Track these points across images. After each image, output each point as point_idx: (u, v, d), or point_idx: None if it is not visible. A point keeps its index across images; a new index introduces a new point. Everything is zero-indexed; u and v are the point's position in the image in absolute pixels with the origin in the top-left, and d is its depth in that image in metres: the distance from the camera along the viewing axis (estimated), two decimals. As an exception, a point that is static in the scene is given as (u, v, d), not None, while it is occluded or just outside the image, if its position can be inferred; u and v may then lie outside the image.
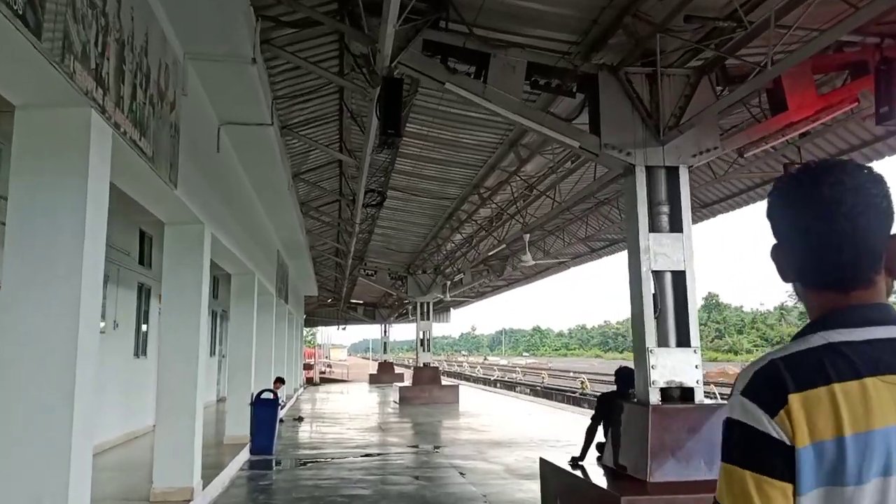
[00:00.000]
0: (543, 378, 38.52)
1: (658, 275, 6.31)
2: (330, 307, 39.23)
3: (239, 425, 11.30)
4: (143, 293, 15.98)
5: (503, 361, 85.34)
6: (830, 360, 1.01)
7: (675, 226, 6.38)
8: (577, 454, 6.90)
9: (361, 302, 39.39)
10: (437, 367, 23.16)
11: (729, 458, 1.03)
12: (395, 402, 22.09)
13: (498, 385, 41.74)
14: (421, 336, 23.06)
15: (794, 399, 0.99)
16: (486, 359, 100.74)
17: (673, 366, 6.13)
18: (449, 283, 20.58)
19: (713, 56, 6.47)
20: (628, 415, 6.39)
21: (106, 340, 10.95)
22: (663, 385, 6.07)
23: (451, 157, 10.97)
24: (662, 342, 6.24)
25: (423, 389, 21.79)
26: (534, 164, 10.35)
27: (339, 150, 10.01)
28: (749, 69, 6.60)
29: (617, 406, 6.64)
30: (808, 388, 0.99)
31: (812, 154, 9.36)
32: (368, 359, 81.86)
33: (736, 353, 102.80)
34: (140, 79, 4.63)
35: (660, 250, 6.32)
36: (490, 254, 14.49)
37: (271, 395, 11.43)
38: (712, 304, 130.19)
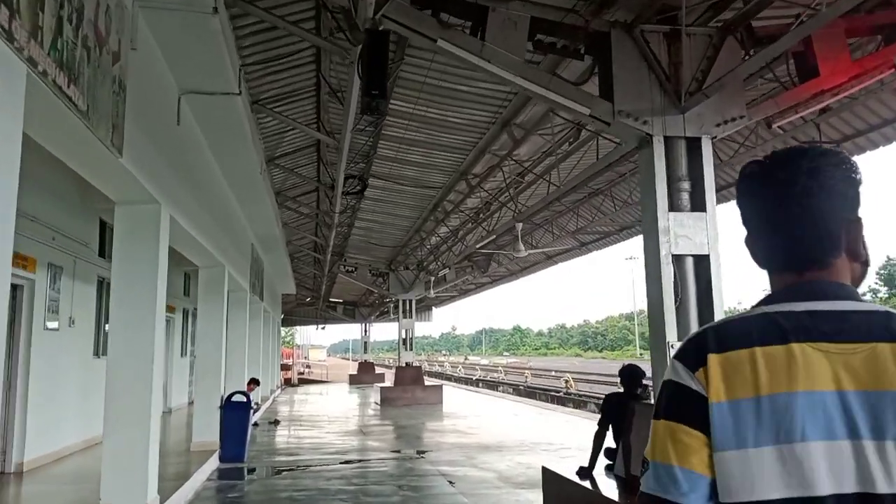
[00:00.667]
0: (527, 377, 37.83)
1: (678, 259, 5.56)
2: (309, 306, 38.22)
3: (207, 430, 10.40)
4: (104, 288, 14.97)
5: (484, 361, 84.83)
6: (759, 326, 1.04)
7: (698, 204, 5.63)
8: (586, 463, 6.14)
9: (341, 301, 38.44)
10: (419, 367, 22.34)
11: (656, 414, 1.08)
12: (377, 403, 21.23)
13: (480, 385, 41.06)
14: (403, 335, 22.19)
15: (713, 358, 1.03)
16: (466, 358, 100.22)
17: (697, 363, 5.38)
18: (433, 279, 19.76)
19: (738, 13, 5.76)
20: (642, 418, 5.65)
21: (61, 338, 10.02)
22: (686, 385, 5.31)
23: (437, 138, 10.16)
24: (684, 336, 5.49)
25: (406, 390, 20.95)
26: (528, 146, 9.58)
27: (317, 129, 9.15)
28: (778, 29, 5.91)
29: (628, 409, 5.89)
30: (728, 350, 1.03)
31: (833, 132, 8.69)
32: (348, 359, 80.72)
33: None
34: (69, 12, 3.77)
35: (681, 232, 5.56)
36: (478, 246, 13.73)
37: (243, 398, 10.54)
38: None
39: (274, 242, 15.74)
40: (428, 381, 22.87)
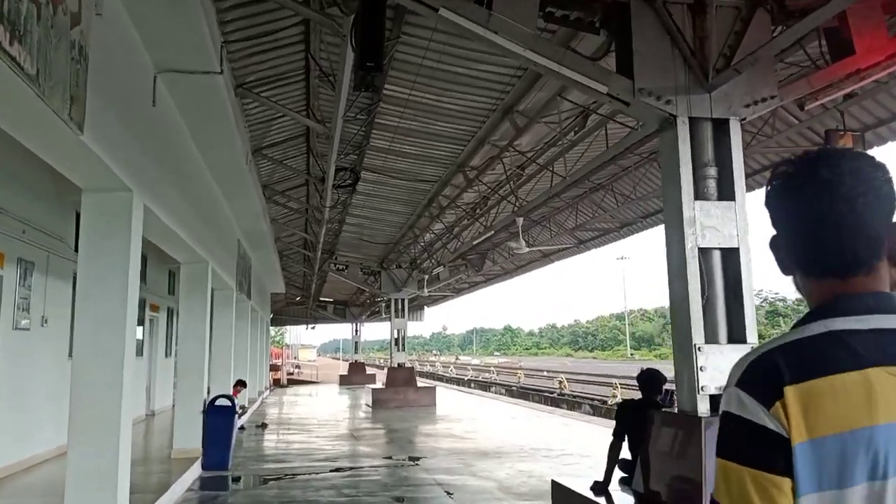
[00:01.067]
0: (519, 378, 37.33)
1: (705, 253, 5.03)
2: (298, 305, 37.57)
3: (189, 436, 9.81)
4: None
5: (475, 361, 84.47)
6: (831, 349, 0.95)
7: (726, 193, 5.11)
8: (599, 476, 5.61)
9: (332, 300, 37.81)
10: (412, 368, 21.77)
11: (725, 454, 0.98)
12: (368, 405, 20.66)
13: (472, 385, 40.59)
14: (395, 335, 21.62)
15: (791, 391, 0.93)
16: (457, 358, 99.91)
17: (725, 367, 4.85)
18: (426, 277, 19.20)
19: (769, -17, 5.25)
20: (662, 429, 5.12)
21: (32, 338, 9.41)
22: (714, 391, 4.79)
23: (433, 128, 9.61)
24: (711, 338, 4.97)
25: (398, 392, 20.38)
26: (531, 135, 9.05)
27: (307, 116, 8.58)
28: (811, 2, 5.41)
29: (647, 417, 5.37)
30: (805, 380, 0.93)
31: (853, 122, 8.21)
32: (339, 359, 80.00)
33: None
34: (9, -44, 3.20)
35: (707, 223, 5.04)
36: (475, 242, 13.17)
37: (227, 402, 9.96)
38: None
39: (262, 239, 15.15)
40: (420, 383, 22.31)
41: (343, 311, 38.01)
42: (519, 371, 41.80)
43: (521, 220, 10.56)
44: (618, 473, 5.70)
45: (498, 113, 8.66)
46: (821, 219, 1.03)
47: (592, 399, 27.32)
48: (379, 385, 23.62)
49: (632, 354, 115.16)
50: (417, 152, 10.76)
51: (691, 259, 4.97)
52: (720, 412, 1.01)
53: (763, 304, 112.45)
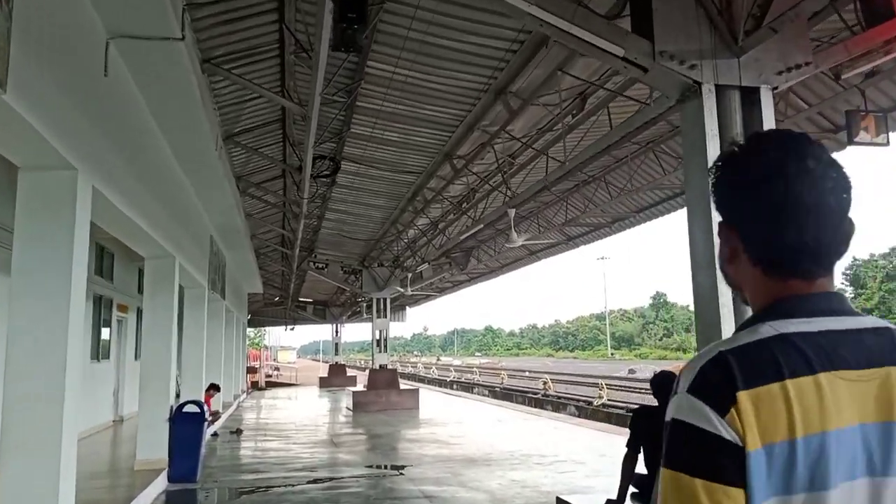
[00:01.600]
0: (503, 379, 36.71)
1: (734, 239, 4.42)
2: (277, 306, 36.64)
3: (154, 446, 9.03)
4: None
5: (457, 362, 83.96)
6: (783, 352, 0.91)
7: (757, 171, 4.51)
8: (611, 494, 4.98)
9: (311, 300, 36.94)
10: (394, 370, 21.05)
11: (675, 465, 0.91)
12: (348, 408, 19.93)
13: (455, 386, 39.94)
14: (377, 335, 20.88)
15: (744, 397, 0.89)
16: (439, 359, 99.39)
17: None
18: (409, 275, 18.49)
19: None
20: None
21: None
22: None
23: (419, 111, 8.93)
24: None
25: (380, 394, 19.67)
26: (525, 119, 8.40)
27: (282, 96, 7.84)
28: (848, -42, 4.83)
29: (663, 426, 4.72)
30: (759, 385, 0.89)
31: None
32: (319, 361, 78.93)
33: (685, 350, 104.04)
34: None
35: (737, 204, 4.43)
36: (463, 237, 12.48)
37: (196, 409, 9.21)
38: (660, 304, 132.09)
39: (236, 236, 14.36)
40: (403, 385, 21.60)
41: (323, 311, 37.14)
42: (502, 372, 41.17)
43: (512, 212, 9.93)
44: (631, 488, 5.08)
45: (490, 94, 8.00)
46: (805, 212, 0.96)
47: (578, 400, 26.77)
48: (360, 387, 22.89)
49: (612, 354, 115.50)
50: (401, 140, 10.07)
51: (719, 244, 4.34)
52: (669, 419, 0.94)
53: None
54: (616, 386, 32.61)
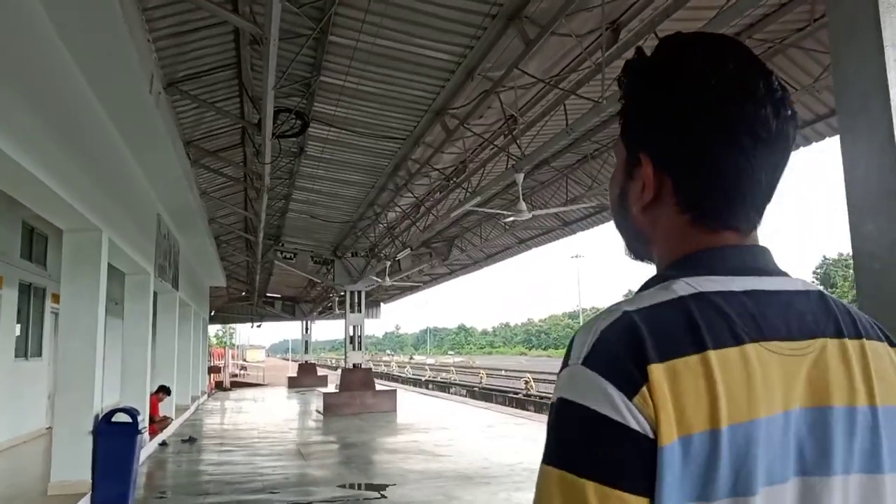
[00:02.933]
0: (482, 378, 35.11)
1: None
2: (242, 301, 34.62)
3: (73, 465, 7.22)
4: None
5: (431, 360, 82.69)
6: (704, 316, 0.70)
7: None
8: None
9: (279, 296, 34.97)
10: (369, 369, 19.26)
11: (559, 459, 0.66)
12: (319, 411, 18.13)
13: (430, 386, 38.39)
14: (350, 332, 19.06)
15: (658, 371, 0.66)
16: (412, 358, 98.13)
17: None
18: (389, 264, 16.71)
19: None
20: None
21: None
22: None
23: (406, 51, 7.19)
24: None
25: (353, 396, 17.91)
26: (541, 57, 6.71)
27: (233, 12, 6.07)
28: None
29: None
30: (675, 356, 0.67)
31: None
32: (288, 360, 76.55)
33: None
34: None
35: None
36: (455, 214, 10.72)
37: (127, 418, 7.41)
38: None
39: (190, 216, 12.49)
40: (380, 385, 19.85)
41: (292, 307, 35.16)
42: (481, 371, 39.67)
43: (521, 177, 8.20)
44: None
45: (499, 21, 6.31)
46: (760, 149, 0.75)
47: (563, 400, 25.30)
48: (332, 388, 21.09)
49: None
50: (382, 92, 8.32)
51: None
52: (554, 399, 0.70)
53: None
54: None
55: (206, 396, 24.66)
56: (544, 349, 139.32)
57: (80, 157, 6.70)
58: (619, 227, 0.87)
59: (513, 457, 10.09)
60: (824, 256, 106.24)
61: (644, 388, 0.65)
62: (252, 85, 8.17)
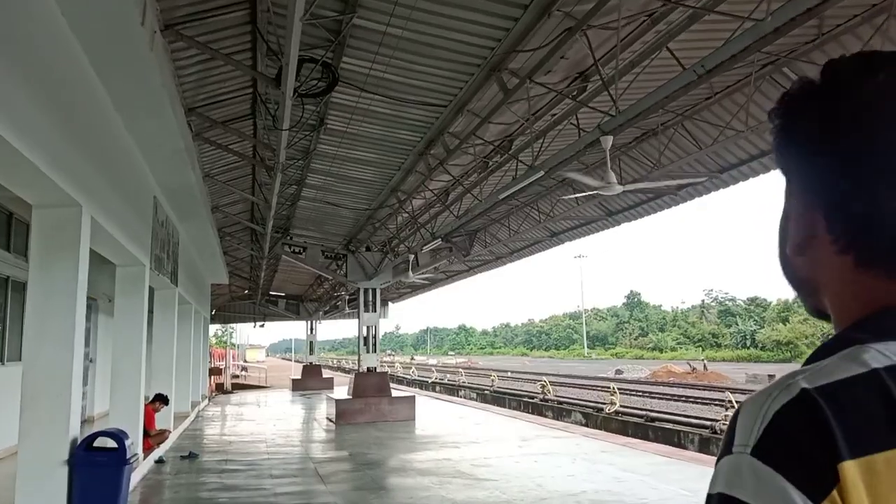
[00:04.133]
0: (493, 381, 33.56)
1: None
2: (245, 300, 33.07)
3: (45, 500, 5.68)
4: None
5: (433, 361, 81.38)
6: None
7: None
8: None
9: (283, 294, 33.43)
10: (385, 373, 17.71)
11: None
12: (330, 419, 16.59)
13: (438, 389, 36.89)
14: (364, 332, 17.48)
15: (852, 470, 0.54)
16: (413, 358, 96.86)
17: None
18: (414, 257, 15.15)
19: None
20: None
21: None
22: None
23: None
24: None
25: (368, 403, 16.36)
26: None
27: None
28: None
29: None
30: (873, 450, 0.55)
31: None
32: (290, 360, 74.91)
33: (661, 350, 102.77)
34: None
35: None
36: (503, 196, 9.08)
37: (113, 443, 5.87)
38: (634, 303, 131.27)
39: (191, 200, 10.96)
40: (396, 391, 18.29)
41: (296, 306, 33.58)
42: (492, 373, 38.17)
43: (609, 141, 6.60)
44: None
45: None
46: None
47: (584, 406, 23.82)
48: (340, 393, 19.53)
49: (587, 353, 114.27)
50: (430, 41, 6.77)
51: None
52: (713, 492, 0.58)
53: (713, 304, 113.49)
54: (630, 390, 29.99)
55: (206, 401, 23.11)
56: (546, 350, 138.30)
57: (50, 106, 5.16)
58: (785, 273, 0.74)
59: (570, 483, 8.54)
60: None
61: (834, 493, 0.53)
62: (267, 30, 6.64)
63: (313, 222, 16.17)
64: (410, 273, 15.72)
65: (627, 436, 17.55)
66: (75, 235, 5.89)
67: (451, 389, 35.65)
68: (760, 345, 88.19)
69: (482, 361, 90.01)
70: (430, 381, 40.48)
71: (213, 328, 37.91)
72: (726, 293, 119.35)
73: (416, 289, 28.83)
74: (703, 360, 58.94)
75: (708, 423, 17.56)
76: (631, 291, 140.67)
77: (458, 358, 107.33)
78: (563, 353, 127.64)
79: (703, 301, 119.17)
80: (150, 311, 12.53)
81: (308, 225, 16.49)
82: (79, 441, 5.84)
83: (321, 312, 32.61)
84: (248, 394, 30.03)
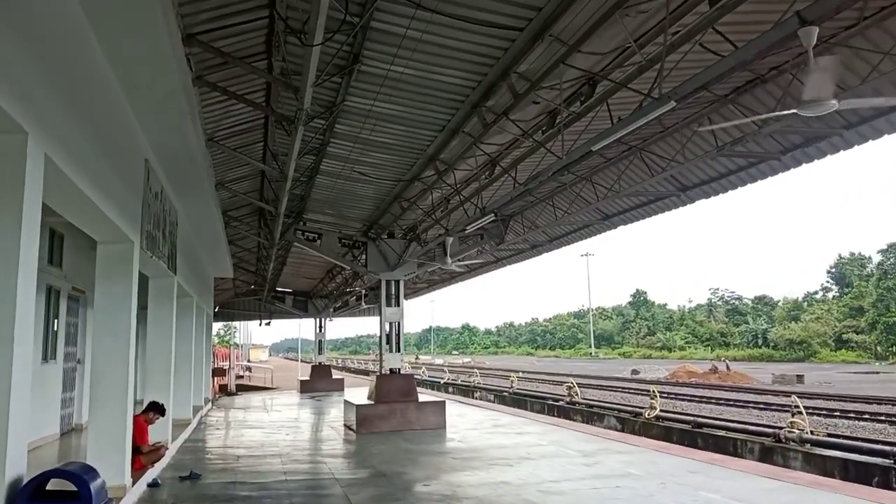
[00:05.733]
0: (513, 382, 31.59)
1: None
2: (250, 296, 31.14)
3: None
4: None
5: (439, 360, 79.61)
6: None
7: None
8: None
9: (290, 290, 31.52)
10: (410, 376, 15.78)
11: None
12: (350, 427, 14.66)
13: (451, 390, 34.98)
14: (387, 329, 15.53)
15: None
16: (417, 358, 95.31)
17: None
18: (450, 240, 13.22)
19: None
20: None
21: None
22: None
23: None
24: None
25: (393, 409, 14.44)
26: None
27: None
28: None
29: None
30: None
31: None
32: (296, 360, 72.92)
33: (670, 349, 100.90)
34: None
35: None
36: (553, 172, 7.25)
37: (71, 486, 3.94)
38: (640, 302, 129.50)
39: (192, 170, 9.02)
40: (423, 395, 16.32)
41: (305, 303, 31.63)
42: (512, 375, 36.29)
43: (813, 35, 4.59)
44: None
45: None
46: None
47: (620, 410, 21.84)
48: (361, 396, 17.59)
49: (594, 353, 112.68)
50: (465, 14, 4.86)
51: None
52: None
53: (719, 303, 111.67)
54: (671, 394, 28.25)
55: (210, 405, 21.19)
56: (551, 349, 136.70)
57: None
58: None
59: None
60: (839, 255, 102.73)
61: None
62: None
63: (330, 204, 14.24)
64: (448, 259, 13.73)
65: (672, 442, 15.73)
66: (17, 173, 3.95)
67: (466, 391, 33.76)
68: (773, 344, 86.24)
69: (488, 361, 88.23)
70: (442, 381, 38.56)
71: (215, 326, 36.07)
72: (732, 292, 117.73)
73: (433, 284, 26.90)
74: (724, 359, 56.99)
75: (770, 430, 15.53)
76: (637, 290, 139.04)
77: (463, 357, 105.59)
78: (569, 352, 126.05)
79: (709, 300, 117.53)
80: (144, 307, 10.65)
81: (324, 208, 14.55)
82: (22, 483, 3.91)
83: (331, 309, 30.65)
84: (253, 396, 28.10)
